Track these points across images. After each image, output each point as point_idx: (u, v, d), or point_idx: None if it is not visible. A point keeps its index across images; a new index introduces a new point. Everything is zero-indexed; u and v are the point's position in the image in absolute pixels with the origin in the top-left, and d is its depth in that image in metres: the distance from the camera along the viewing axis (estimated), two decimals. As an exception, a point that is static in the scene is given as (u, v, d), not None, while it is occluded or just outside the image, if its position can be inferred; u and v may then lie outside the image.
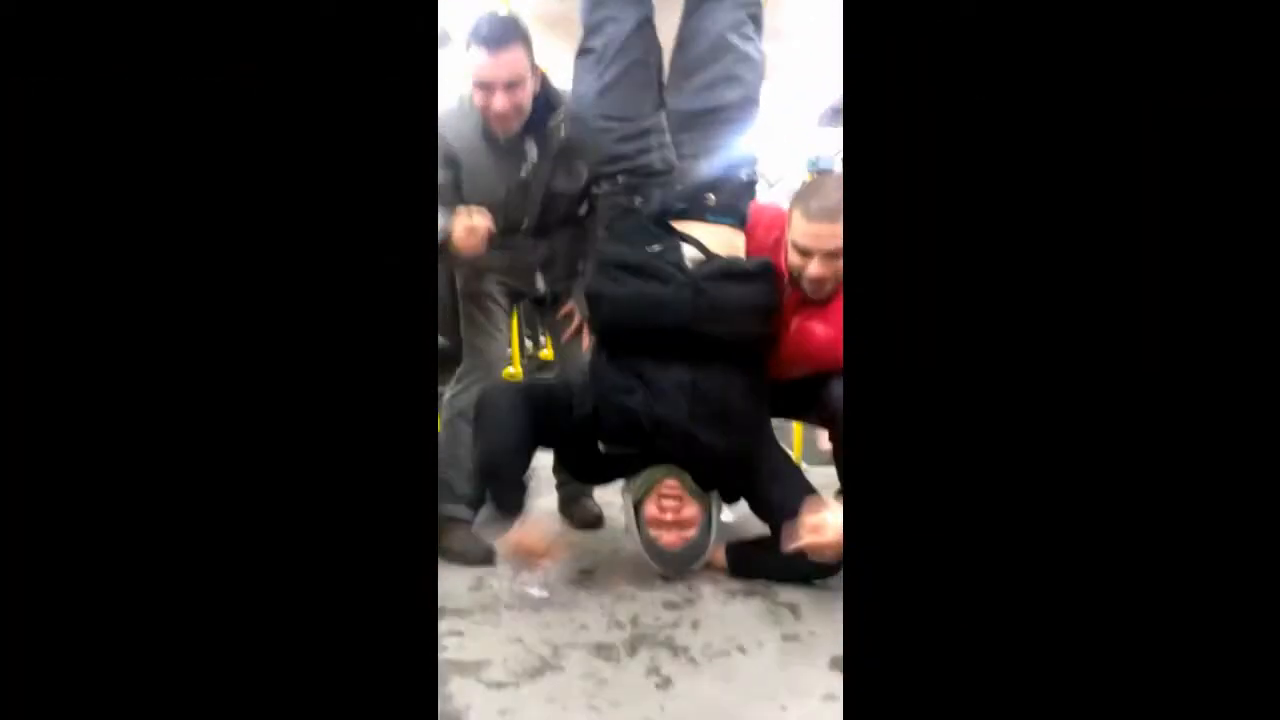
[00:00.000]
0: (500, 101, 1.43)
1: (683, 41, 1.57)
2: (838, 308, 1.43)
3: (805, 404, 1.57)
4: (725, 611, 1.37)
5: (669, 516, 1.42)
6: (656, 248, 1.45)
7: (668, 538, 1.43)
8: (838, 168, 3.99)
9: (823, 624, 1.31)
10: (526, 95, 1.46)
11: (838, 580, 1.44)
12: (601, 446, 1.44)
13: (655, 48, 1.55)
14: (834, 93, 3.62)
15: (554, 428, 1.43)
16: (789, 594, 1.42)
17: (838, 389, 1.44)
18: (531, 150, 1.55)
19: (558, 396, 1.45)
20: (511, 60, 1.43)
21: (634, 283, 1.43)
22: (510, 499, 1.37)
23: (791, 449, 2.56)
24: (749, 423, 1.46)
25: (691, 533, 1.43)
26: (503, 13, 1.48)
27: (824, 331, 1.46)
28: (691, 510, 1.43)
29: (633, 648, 1.22)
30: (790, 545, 1.34)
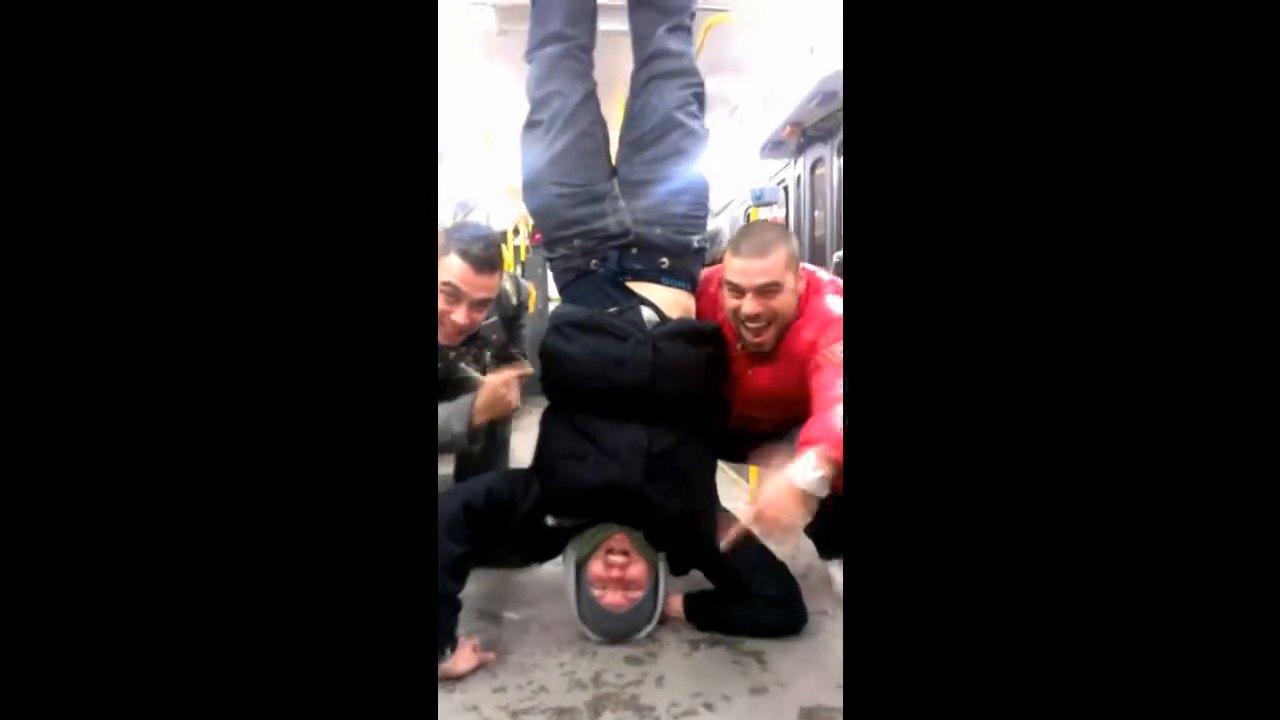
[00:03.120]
0: (463, 316, 1.42)
1: (631, 118, 1.62)
2: (784, 358, 1.49)
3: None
4: (689, 665, 1.32)
5: (615, 574, 1.36)
6: (614, 308, 1.46)
7: (612, 598, 1.37)
8: (780, 198, 4.06)
9: (789, 673, 1.28)
10: (483, 316, 1.47)
11: (803, 629, 1.43)
12: (550, 520, 1.39)
13: (600, 120, 1.61)
14: (776, 124, 3.68)
15: (496, 528, 1.38)
16: (753, 642, 1.39)
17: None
18: (450, 353, 1.57)
19: (498, 496, 1.39)
20: (492, 283, 1.44)
21: (591, 341, 1.42)
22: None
23: (748, 480, 2.55)
24: (698, 484, 1.46)
25: (638, 594, 1.37)
26: (490, 230, 1.50)
27: (771, 372, 1.51)
28: (639, 569, 1.37)
29: (596, 710, 1.17)
30: (727, 540, 1.27)
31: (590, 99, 1.59)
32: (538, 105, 1.59)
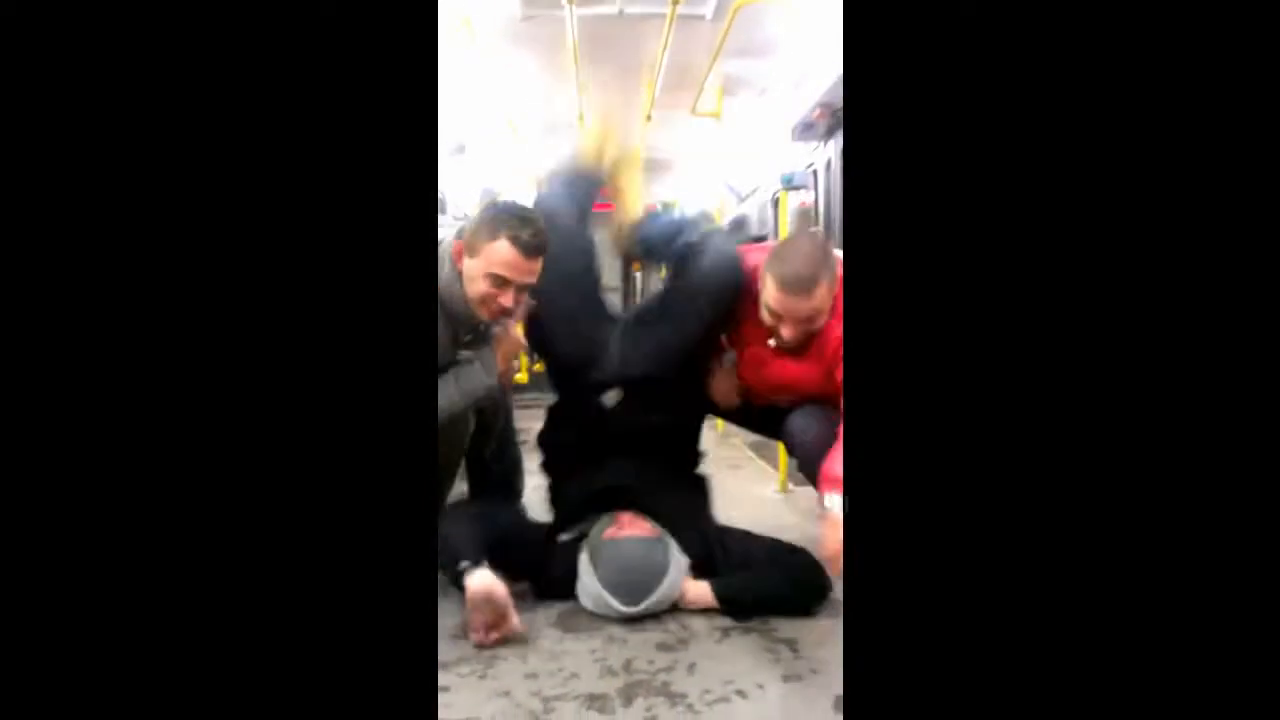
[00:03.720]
0: (507, 299, 1.47)
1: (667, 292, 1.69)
2: (815, 355, 1.51)
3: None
4: (721, 651, 1.31)
5: (628, 519, 1.47)
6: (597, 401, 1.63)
7: (630, 531, 1.45)
8: (810, 182, 4.00)
9: (822, 660, 1.26)
10: (525, 295, 1.52)
11: (834, 611, 1.41)
12: (562, 536, 1.51)
13: (598, 286, 1.72)
14: (806, 108, 3.63)
15: (508, 548, 1.47)
16: (785, 629, 1.37)
17: (795, 421, 1.56)
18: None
19: (519, 524, 1.62)
20: (538, 266, 1.47)
21: (577, 432, 1.65)
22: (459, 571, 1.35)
23: (777, 469, 2.54)
24: (687, 488, 1.66)
25: (656, 534, 1.46)
26: (536, 213, 1.52)
27: (798, 368, 1.54)
28: (649, 525, 1.47)
29: (628, 697, 1.16)
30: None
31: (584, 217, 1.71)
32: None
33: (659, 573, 1.41)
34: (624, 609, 1.40)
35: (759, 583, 1.45)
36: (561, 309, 1.61)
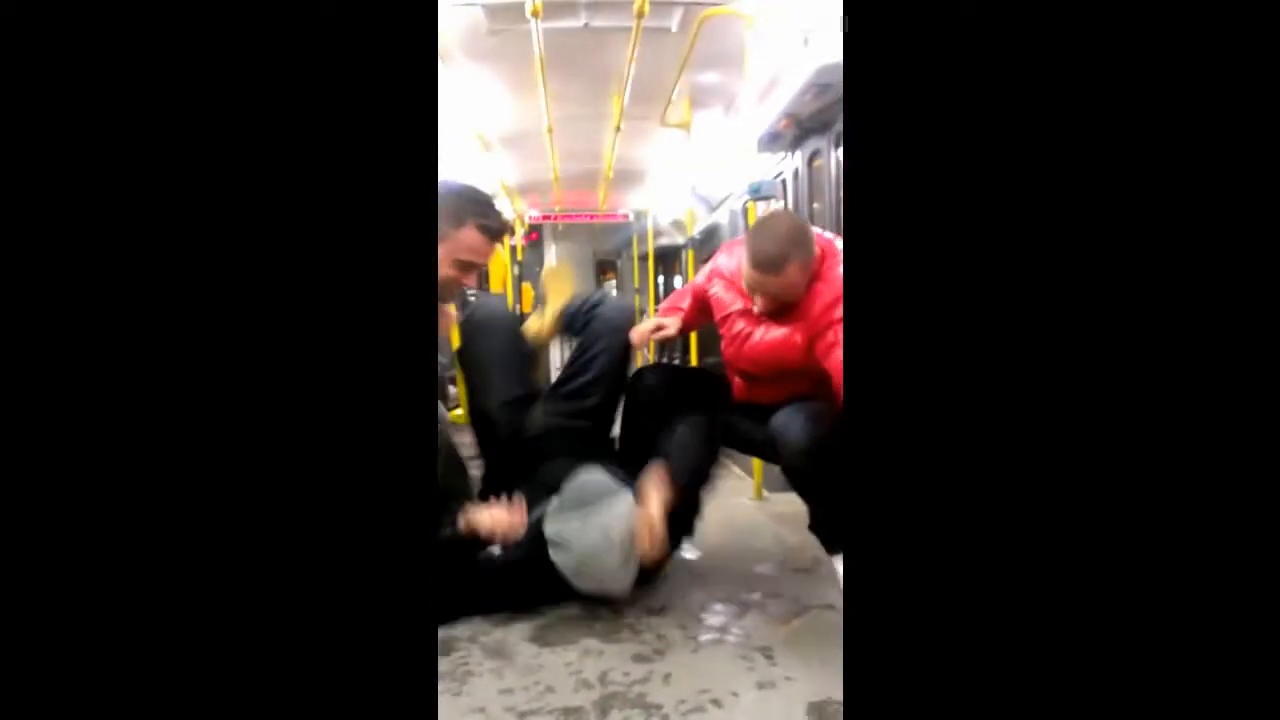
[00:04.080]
0: (471, 280, 1.58)
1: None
2: (799, 320, 1.53)
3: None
4: (696, 661, 1.32)
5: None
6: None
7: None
8: (778, 191, 4.04)
9: (796, 667, 1.27)
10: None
11: (809, 619, 1.42)
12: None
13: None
14: (772, 118, 3.66)
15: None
16: (760, 638, 1.39)
17: (777, 419, 1.54)
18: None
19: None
20: (497, 248, 1.58)
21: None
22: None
23: (751, 475, 2.55)
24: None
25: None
26: (491, 196, 1.63)
27: (781, 336, 1.56)
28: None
29: (603, 709, 1.16)
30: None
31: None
32: None
33: (613, 489, 1.52)
34: (579, 525, 1.48)
35: (689, 459, 1.60)
36: (495, 386, 1.74)
